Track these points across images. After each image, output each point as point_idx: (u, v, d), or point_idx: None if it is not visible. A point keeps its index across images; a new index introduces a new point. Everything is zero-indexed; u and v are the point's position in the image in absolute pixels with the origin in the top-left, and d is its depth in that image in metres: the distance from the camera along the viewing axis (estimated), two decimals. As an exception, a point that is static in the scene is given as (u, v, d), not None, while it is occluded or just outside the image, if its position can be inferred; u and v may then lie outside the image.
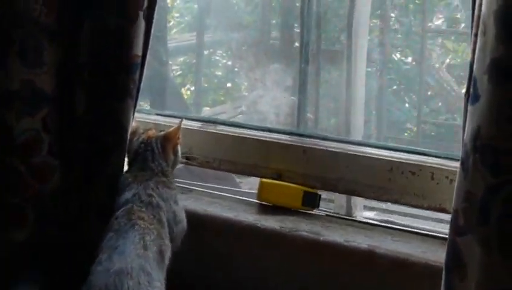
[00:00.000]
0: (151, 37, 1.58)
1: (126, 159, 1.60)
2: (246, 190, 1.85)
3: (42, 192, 1.61)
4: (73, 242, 1.61)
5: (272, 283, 1.58)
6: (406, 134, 1.99)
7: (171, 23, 2.54)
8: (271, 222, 1.61)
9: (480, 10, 1.12)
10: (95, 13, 1.55)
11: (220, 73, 2.58)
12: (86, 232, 1.62)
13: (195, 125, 1.81)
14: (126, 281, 1.28)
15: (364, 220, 1.68)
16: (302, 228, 1.58)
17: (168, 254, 1.43)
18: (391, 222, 1.76)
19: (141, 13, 1.53)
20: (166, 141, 1.58)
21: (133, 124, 1.61)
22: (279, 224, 1.60)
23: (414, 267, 1.44)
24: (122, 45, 1.54)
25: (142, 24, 1.54)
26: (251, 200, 1.75)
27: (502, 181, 1.05)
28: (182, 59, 2.42)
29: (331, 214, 1.74)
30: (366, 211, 1.86)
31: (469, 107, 1.12)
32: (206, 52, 2.60)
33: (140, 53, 1.56)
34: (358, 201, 1.82)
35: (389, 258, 1.47)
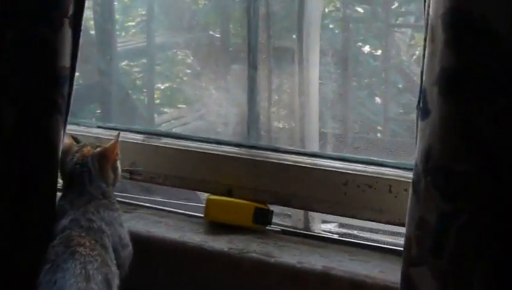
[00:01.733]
0: (79, 47, 1.44)
1: (61, 181, 1.47)
2: (196, 204, 1.71)
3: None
4: (10, 272, 1.48)
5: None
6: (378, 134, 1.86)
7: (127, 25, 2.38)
8: (219, 243, 1.48)
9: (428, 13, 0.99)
10: (16, 22, 1.41)
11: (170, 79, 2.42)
12: (24, 261, 1.49)
13: (138, 138, 1.68)
14: None
15: (322, 234, 1.56)
16: (253, 248, 1.46)
17: (116, 282, 1.28)
18: (350, 236, 1.65)
19: (66, 20, 1.39)
20: (104, 158, 1.44)
21: (65, 141, 1.48)
22: (228, 245, 1.47)
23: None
24: (47, 56, 1.40)
25: (68, 32, 1.40)
26: (200, 216, 1.62)
27: (455, 208, 0.92)
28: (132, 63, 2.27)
29: (287, 229, 1.61)
30: (325, 224, 1.73)
31: (419, 123, 0.99)
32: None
33: (68, 64, 1.42)
34: (316, 214, 1.70)
35: (345, 281, 1.35)
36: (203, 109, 1.85)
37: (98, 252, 1.28)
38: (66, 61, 1.42)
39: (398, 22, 1.99)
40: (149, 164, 1.64)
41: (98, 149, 1.46)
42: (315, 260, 1.41)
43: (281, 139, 1.72)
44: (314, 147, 1.67)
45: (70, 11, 1.40)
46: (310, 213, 1.68)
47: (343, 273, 1.36)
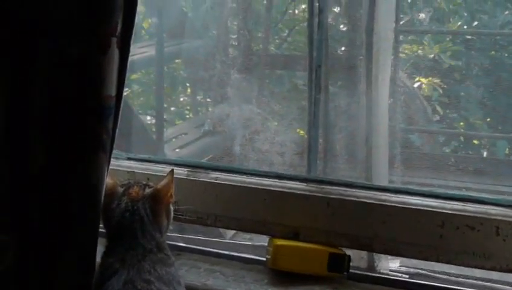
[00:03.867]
0: (127, 72, 1.20)
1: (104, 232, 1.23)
2: (243, 242, 1.50)
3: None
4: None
5: None
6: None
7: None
8: (295, 299, 1.27)
9: None
10: (51, 41, 1.16)
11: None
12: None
13: (181, 172, 1.44)
14: None
15: (394, 277, 1.35)
16: (336, 305, 1.25)
17: None
18: (420, 275, 1.46)
19: (114, 40, 1.15)
20: (157, 201, 1.21)
21: (107, 181, 1.23)
22: (306, 301, 1.26)
23: None
24: (90, 83, 1.16)
25: (115, 55, 1.16)
26: (259, 260, 1.40)
27: None
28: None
29: (354, 271, 1.41)
30: (393, 262, 1.54)
31: None
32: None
33: (114, 93, 1.18)
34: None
35: None
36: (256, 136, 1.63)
37: None
38: (112, 90, 1.18)
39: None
40: (195, 203, 1.41)
41: (150, 191, 1.23)
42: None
43: (343, 171, 1.51)
44: (383, 180, 1.46)
45: (119, 29, 1.16)
46: (376, 251, 1.48)
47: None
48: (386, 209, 1.29)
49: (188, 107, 2.53)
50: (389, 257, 1.54)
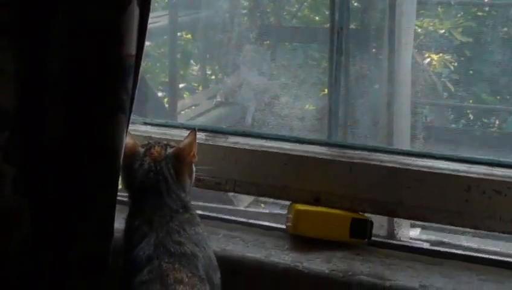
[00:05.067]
0: (147, 31, 1.17)
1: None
2: (260, 210, 1.47)
3: (7, 243, 1.20)
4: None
5: None
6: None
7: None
8: (316, 263, 1.24)
9: None
10: (69, 3, 1.13)
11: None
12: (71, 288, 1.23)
13: (199, 136, 1.41)
14: None
15: (416, 245, 1.32)
16: (359, 269, 1.22)
17: None
18: (443, 243, 1.43)
19: (134, -2, 1.12)
20: (180, 161, 1.19)
21: (128, 141, 1.21)
22: (328, 266, 1.23)
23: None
24: (110, 42, 1.13)
25: (135, 13, 1.13)
26: (279, 227, 1.37)
27: None
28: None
29: (375, 239, 1.38)
30: (413, 230, 1.51)
31: None
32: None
33: (134, 52, 1.15)
34: (402, 219, 1.47)
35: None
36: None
37: (199, 287, 1.02)
38: (132, 48, 1.15)
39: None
40: (214, 167, 1.38)
41: (172, 150, 1.20)
42: (439, 282, 1.17)
43: (363, 137, 1.48)
44: (405, 145, 1.43)
45: (139, -16, 1.13)
46: (395, 219, 1.45)
47: (480, 299, 1.14)
48: (410, 174, 1.26)
49: (199, 79, 2.50)
50: (410, 225, 1.51)
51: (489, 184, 1.21)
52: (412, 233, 1.53)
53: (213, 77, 2.47)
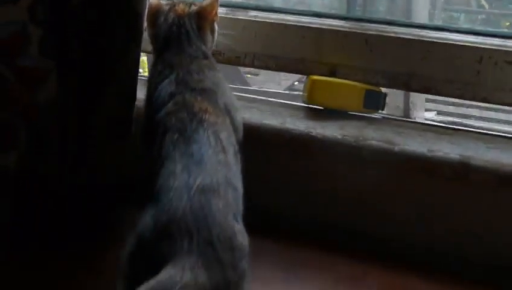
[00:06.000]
0: None
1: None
2: (273, 90, 1.50)
3: (35, 103, 1.26)
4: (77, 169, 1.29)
5: (341, 199, 1.28)
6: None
7: None
8: (330, 130, 1.28)
9: None
10: None
11: None
12: (92, 151, 1.29)
13: (220, 11, 1.44)
14: (214, 201, 0.92)
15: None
16: (370, 136, 1.26)
17: (239, 155, 1.07)
18: (457, 124, 1.47)
19: None
20: (202, 18, 1.22)
21: (151, 0, 1.25)
22: (341, 132, 1.28)
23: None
24: None
25: None
26: (295, 103, 1.42)
27: None
28: None
29: (389, 116, 1.42)
30: (428, 112, 1.54)
31: None
32: None
33: None
34: (417, 100, 1.50)
35: (489, 173, 1.17)
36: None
37: (222, 119, 1.07)
38: None
39: None
40: (234, 41, 1.42)
41: (195, 8, 1.24)
42: (447, 148, 1.22)
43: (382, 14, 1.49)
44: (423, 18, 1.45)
45: None
46: (412, 99, 1.49)
47: (486, 164, 1.17)
48: (424, 45, 1.29)
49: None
50: (424, 109, 1.55)
51: (501, 55, 1.24)
52: (427, 115, 1.57)
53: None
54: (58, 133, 1.29)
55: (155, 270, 0.87)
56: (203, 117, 1.04)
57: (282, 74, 2.60)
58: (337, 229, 1.26)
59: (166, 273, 0.85)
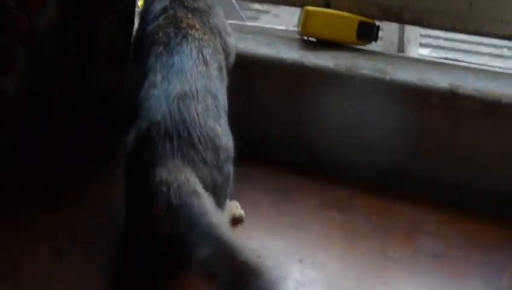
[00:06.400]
0: None
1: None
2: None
3: (34, 28, 1.28)
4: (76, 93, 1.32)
5: (331, 128, 1.31)
6: None
7: None
8: (323, 59, 1.31)
9: None
10: None
11: None
12: (92, 78, 1.32)
13: None
14: (193, 105, 0.97)
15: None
16: (362, 65, 1.29)
17: (225, 72, 1.12)
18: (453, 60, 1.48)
19: None
20: None
21: None
22: (334, 61, 1.30)
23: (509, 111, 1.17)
24: None
25: None
26: (290, 35, 1.44)
27: None
28: None
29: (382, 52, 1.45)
30: (422, 49, 1.56)
31: None
32: None
33: None
34: (412, 35, 1.51)
35: (475, 100, 1.19)
36: None
37: (209, 36, 1.10)
38: None
39: None
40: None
41: None
42: (437, 78, 1.24)
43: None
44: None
45: None
46: (406, 35, 1.50)
47: (474, 92, 1.20)
48: (417, -23, 1.30)
49: None
50: (419, 45, 1.56)
51: (493, -14, 1.25)
52: (421, 51, 1.59)
53: None
54: (57, 58, 1.32)
55: (146, 179, 0.91)
56: (189, 32, 1.07)
57: (280, 19, 2.61)
58: (326, 157, 1.30)
59: (158, 177, 0.89)
